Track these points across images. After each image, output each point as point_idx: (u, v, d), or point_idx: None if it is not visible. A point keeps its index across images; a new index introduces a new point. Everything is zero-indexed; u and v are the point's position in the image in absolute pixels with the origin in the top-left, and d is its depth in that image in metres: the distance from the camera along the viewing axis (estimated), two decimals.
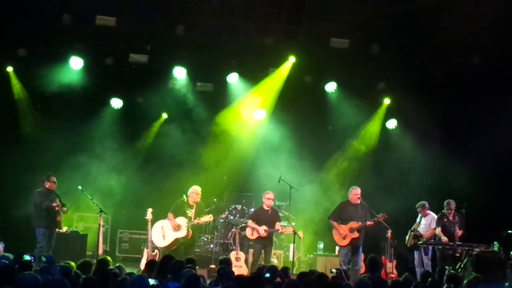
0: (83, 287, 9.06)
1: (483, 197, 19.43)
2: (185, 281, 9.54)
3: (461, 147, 20.30)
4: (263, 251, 17.67)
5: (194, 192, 17.20)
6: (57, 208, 16.78)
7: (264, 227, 17.55)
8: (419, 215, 18.15)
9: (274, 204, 18.10)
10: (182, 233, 16.84)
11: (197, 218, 17.01)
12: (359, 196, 17.46)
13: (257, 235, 17.64)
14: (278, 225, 17.77)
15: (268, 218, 17.77)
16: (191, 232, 16.90)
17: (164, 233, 16.99)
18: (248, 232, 18.00)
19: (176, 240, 16.88)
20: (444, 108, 20.63)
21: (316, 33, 19.20)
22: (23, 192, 17.48)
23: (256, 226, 17.69)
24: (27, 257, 10.80)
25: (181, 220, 16.97)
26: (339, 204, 17.80)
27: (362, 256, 17.44)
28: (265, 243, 17.69)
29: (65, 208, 17.19)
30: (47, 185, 17.16)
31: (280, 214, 19.93)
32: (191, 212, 17.06)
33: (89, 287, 9.10)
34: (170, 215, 17.12)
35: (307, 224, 20.39)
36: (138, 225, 20.01)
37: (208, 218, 17.32)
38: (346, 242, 17.29)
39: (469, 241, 17.16)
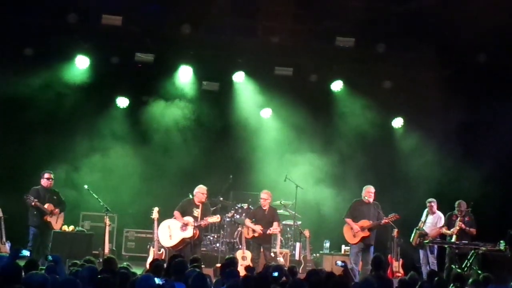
0: (96, 286, 9.04)
1: (489, 196, 19.42)
2: (192, 280, 9.54)
3: (469, 147, 20.26)
4: (262, 249, 17.72)
5: (200, 191, 17.14)
6: (39, 206, 16.66)
7: (259, 227, 17.58)
8: (424, 213, 18.14)
9: (278, 203, 18.06)
10: (188, 233, 16.80)
11: (204, 218, 16.96)
12: (372, 195, 17.46)
13: (252, 234, 17.69)
14: (275, 225, 17.74)
15: (265, 217, 17.75)
16: (197, 232, 16.86)
17: (170, 232, 16.94)
18: (244, 231, 18.05)
19: (183, 240, 16.84)
20: (451, 107, 20.52)
21: (322, 32, 19.20)
22: (28, 191, 17.39)
23: (250, 225, 17.75)
24: (25, 252, 10.86)
25: (188, 220, 16.93)
26: (352, 202, 17.73)
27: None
28: (261, 241, 17.72)
29: (53, 208, 16.95)
30: (42, 182, 17.09)
31: (286, 213, 19.99)
32: (197, 212, 17.02)
33: (102, 286, 9.10)
34: (176, 213, 17.04)
35: (313, 223, 20.39)
36: (144, 224, 20.01)
37: (215, 218, 17.30)
38: (356, 240, 17.24)
39: (476, 239, 17.17)
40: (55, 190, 17.32)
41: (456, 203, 17.63)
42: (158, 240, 17.10)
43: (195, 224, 16.77)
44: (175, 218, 17.04)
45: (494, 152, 19.77)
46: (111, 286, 9.06)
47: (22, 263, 9.98)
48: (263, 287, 9.43)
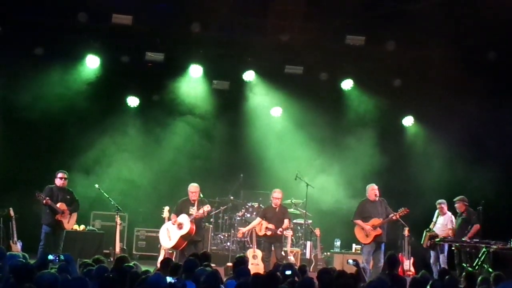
0: (101, 285, 9.05)
1: (501, 194, 19.37)
2: (205, 279, 9.54)
3: (480, 145, 20.18)
4: (273, 247, 17.73)
5: (189, 190, 17.14)
6: (51, 204, 16.67)
7: (271, 225, 17.59)
8: (435, 214, 18.06)
9: (289, 202, 18.01)
10: (184, 230, 16.78)
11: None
12: (377, 192, 17.39)
13: (263, 232, 17.70)
14: (286, 222, 17.70)
15: (276, 215, 17.70)
16: (194, 226, 16.80)
17: (169, 234, 16.90)
18: (257, 229, 18.00)
19: (181, 238, 16.80)
20: (463, 105, 20.45)
21: (332, 30, 19.19)
22: (39, 189, 17.38)
23: (253, 224, 17.81)
24: (51, 257, 11.02)
25: (182, 218, 16.87)
26: (359, 203, 17.59)
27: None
28: (272, 240, 17.68)
29: (65, 207, 16.81)
30: (56, 181, 17.07)
31: (297, 211, 19.96)
32: (193, 210, 16.97)
33: (106, 284, 9.10)
34: (172, 216, 17.02)
35: (323, 222, 20.35)
36: (155, 223, 20.00)
37: (206, 208, 17.06)
38: (369, 240, 17.10)
39: (487, 238, 17.12)
40: (69, 189, 17.29)
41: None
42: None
43: (190, 219, 16.74)
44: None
45: (506, 151, 19.73)
46: (115, 284, 9.05)
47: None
48: (271, 285, 9.41)
